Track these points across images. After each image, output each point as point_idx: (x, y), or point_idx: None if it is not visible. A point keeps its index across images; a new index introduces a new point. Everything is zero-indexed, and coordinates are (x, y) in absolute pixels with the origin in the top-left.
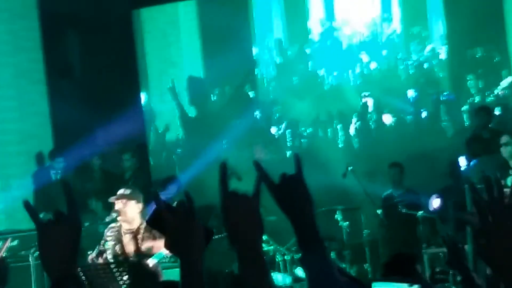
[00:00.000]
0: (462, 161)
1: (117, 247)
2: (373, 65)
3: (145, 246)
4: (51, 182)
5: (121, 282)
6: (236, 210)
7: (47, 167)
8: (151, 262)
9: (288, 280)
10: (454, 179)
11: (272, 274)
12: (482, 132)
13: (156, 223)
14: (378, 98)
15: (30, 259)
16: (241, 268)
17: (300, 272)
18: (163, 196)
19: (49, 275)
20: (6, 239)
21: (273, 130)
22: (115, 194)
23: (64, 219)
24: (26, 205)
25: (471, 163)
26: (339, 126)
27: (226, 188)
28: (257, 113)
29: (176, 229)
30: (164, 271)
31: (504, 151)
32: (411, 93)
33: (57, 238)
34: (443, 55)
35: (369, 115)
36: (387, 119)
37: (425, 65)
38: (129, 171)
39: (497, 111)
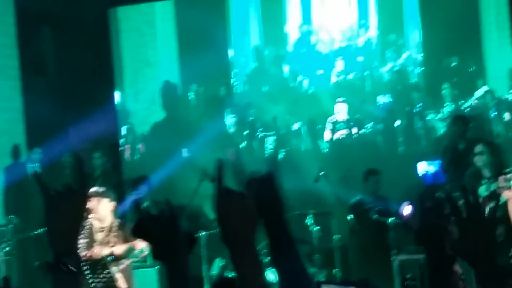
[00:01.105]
0: (422, 166)
1: (90, 245)
2: (348, 71)
3: (117, 244)
4: (27, 177)
5: (91, 281)
6: (229, 206)
7: (22, 162)
8: (126, 261)
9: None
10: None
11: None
12: (458, 141)
13: (139, 231)
14: (352, 104)
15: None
16: (235, 265)
17: (271, 275)
18: (134, 196)
19: (52, 248)
20: None
21: (247, 133)
22: None
23: (72, 194)
24: (37, 176)
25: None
26: (313, 131)
27: (220, 184)
28: (231, 116)
29: (159, 237)
30: (135, 270)
31: (479, 160)
32: (385, 100)
33: (64, 212)
34: (419, 63)
35: (342, 123)
36: (360, 125)
37: (401, 73)
38: (99, 169)
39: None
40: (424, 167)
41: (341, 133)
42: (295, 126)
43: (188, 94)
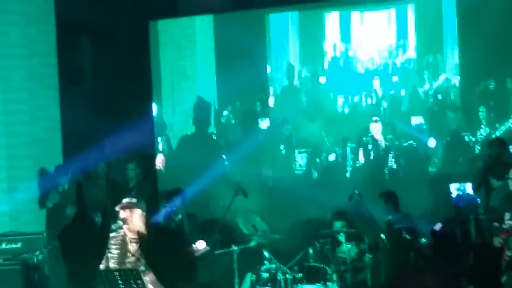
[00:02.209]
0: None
1: (123, 255)
2: (385, 91)
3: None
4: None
5: None
6: None
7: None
8: None
9: None
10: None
11: None
12: (493, 163)
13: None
14: (389, 124)
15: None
16: None
17: None
18: (168, 208)
19: None
20: None
21: (282, 148)
22: (118, 203)
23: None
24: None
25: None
26: (348, 149)
27: None
28: (267, 131)
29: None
30: None
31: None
32: (420, 120)
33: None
34: (456, 85)
35: (377, 142)
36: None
37: (438, 95)
38: (133, 180)
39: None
40: (455, 189)
41: (375, 152)
42: (330, 143)
43: (225, 109)
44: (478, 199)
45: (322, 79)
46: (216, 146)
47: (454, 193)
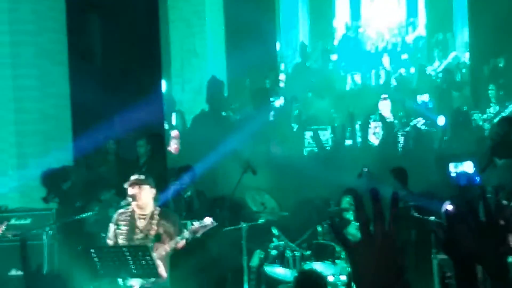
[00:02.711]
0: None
1: (131, 231)
2: (394, 69)
3: (159, 230)
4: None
5: (132, 266)
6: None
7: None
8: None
9: None
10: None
11: (280, 269)
12: (502, 142)
13: None
14: (398, 101)
15: (43, 238)
16: None
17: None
18: (177, 185)
19: None
20: (2, 223)
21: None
22: (128, 179)
23: None
24: None
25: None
26: (357, 127)
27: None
28: (276, 109)
29: None
30: None
31: None
32: (429, 98)
33: None
34: (465, 63)
35: (386, 119)
36: (404, 122)
37: (448, 72)
38: (143, 157)
39: None
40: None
41: (384, 130)
42: (340, 121)
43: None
44: (478, 177)
45: (332, 57)
46: (227, 124)
47: (453, 172)
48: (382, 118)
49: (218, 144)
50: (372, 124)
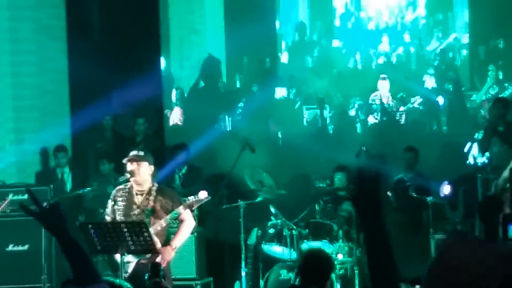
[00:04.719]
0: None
1: (129, 207)
2: (394, 49)
3: (157, 206)
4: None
5: (130, 242)
6: None
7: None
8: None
9: (293, 255)
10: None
11: (278, 247)
12: (498, 123)
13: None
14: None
15: None
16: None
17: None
18: (172, 164)
19: None
20: (5, 199)
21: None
22: (125, 156)
23: None
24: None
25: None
26: (356, 106)
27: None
28: (275, 87)
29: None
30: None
31: None
32: (429, 79)
33: None
34: (465, 44)
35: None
36: (403, 102)
37: (447, 53)
38: (141, 135)
39: None
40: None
41: (383, 110)
42: (338, 100)
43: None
44: (485, 159)
45: (331, 36)
46: (223, 102)
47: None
48: (381, 98)
49: (216, 121)
50: (371, 103)
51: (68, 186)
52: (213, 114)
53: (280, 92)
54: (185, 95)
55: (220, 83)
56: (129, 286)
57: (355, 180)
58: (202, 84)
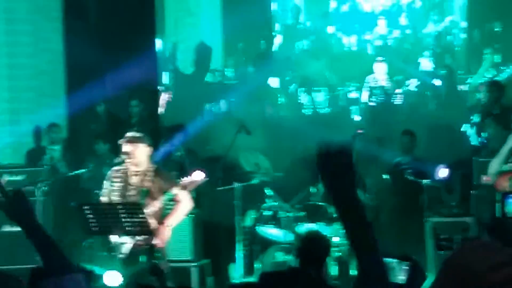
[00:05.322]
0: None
1: (124, 188)
2: (390, 31)
3: (153, 187)
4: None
5: (125, 224)
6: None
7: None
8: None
9: (290, 237)
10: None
11: (273, 229)
12: (493, 107)
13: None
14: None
15: (36, 194)
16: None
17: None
18: (168, 144)
19: None
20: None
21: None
22: (120, 137)
23: None
24: None
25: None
26: (352, 89)
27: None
28: (271, 70)
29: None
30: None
31: None
32: (425, 61)
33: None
34: (461, 27)
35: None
36: (399, 85)
37: (443, 36)
38: (136, 117)
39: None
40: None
41: (379, 92)
42: (334, 83)
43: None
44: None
45: (328, 18)
46: (214, 89)
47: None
48: (377, 81)
49: (211, 104)
50: (369, 86)
51: (59, 165)
52: (196, 104)
53: (273, 82)
54: (178, 77)
55: (216, 73)
56: (102, 269)
57: (320, 156)
58: (191, 70)
